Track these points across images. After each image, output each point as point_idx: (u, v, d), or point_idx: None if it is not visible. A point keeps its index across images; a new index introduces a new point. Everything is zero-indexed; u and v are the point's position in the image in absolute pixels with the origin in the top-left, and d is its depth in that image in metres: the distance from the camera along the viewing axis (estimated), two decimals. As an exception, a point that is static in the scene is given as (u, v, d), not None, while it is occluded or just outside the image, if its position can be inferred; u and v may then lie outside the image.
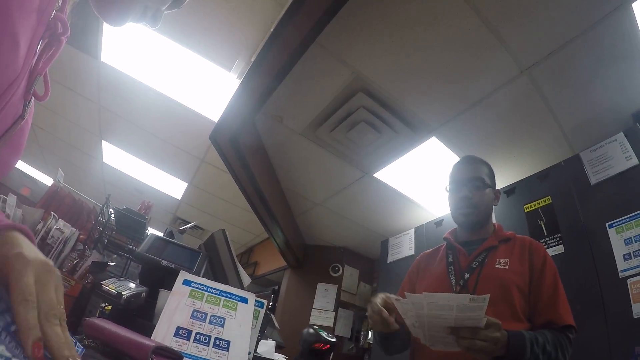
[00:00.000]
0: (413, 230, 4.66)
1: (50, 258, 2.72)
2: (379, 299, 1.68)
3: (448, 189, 2.09)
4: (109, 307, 1.62)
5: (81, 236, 3.19)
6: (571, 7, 2.50)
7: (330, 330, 5.34)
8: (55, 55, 0.75)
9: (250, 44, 3.27)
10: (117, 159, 5.86)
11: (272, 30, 2.74)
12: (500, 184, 2.09)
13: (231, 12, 3.03)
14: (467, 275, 1.83)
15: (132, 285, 1.52)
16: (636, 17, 2.52)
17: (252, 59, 3.15)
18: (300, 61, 2.79)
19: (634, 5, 2.46)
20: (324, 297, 5.73)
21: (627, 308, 2.42)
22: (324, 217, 5.27)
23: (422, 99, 3.26)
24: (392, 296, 1.59)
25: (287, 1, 2.68)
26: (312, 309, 5.66)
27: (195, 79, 3.78)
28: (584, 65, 2.84)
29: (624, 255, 2.57)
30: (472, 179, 1.96)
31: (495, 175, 2.08)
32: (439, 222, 4.31)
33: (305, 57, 2.77)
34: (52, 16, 0.70)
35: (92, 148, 5.70)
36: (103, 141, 5.43)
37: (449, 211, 2.11)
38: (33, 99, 0.78)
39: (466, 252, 1.93)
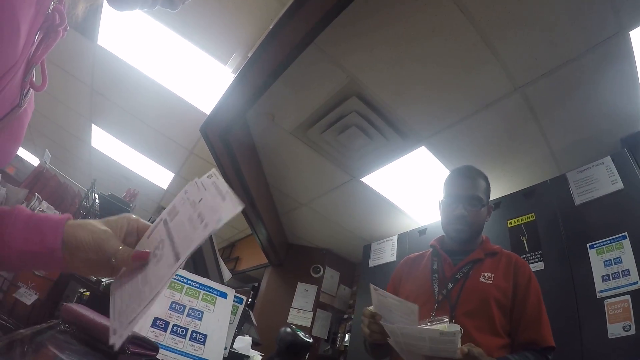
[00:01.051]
0: (396, 237, 4.67)
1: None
2: (369, 312, 1.66)
3: (442, 198, 2.09)
4: (88, 293, 1.61)
5: (64, 220, 3.16)
6: (570, 29, 2.52)
7: (308, 330, 5.34)
8: (52, 46, 0.77)
9: (248, 40, 3.27)
10: (106, 144, 5.81)
11: (271, 27, 2.73)
12: (486, 197, 2.12)
13: (232, 6, 3.03)
14: (450, 286, 1.84)
15: (112, 272, 1.51)
16: (632, 44, 2.55)
17: (249, 55, 3.14)
18: (297, 61, 2.78)
19: (631, 33, 2.49)
20: (303, 297, 5.73)
21: (602, 328, 2.45)
22: (309, 218, 5.27)
23: (415, 108, 3.27)
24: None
25: (289, 0, 2.68)
26: (291, 308, 5.66)
27: (190, 69, 3.77)
28: (577, 87, 2.87)
29: (602, 277, 2.61)
30: (470, 197, 1.96)
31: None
32: (422, 231, 4.33)
33: (301, 58, 2.76)
34: (51, 7, 0.72)
35: (82, 131, 5.65)
36: (93, 125, 5.39)
37: (437, 220, 2.12)
38: (32, 90, 0.81)
39: (452, 262, 1.94)
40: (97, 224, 0.76)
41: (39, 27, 0.71)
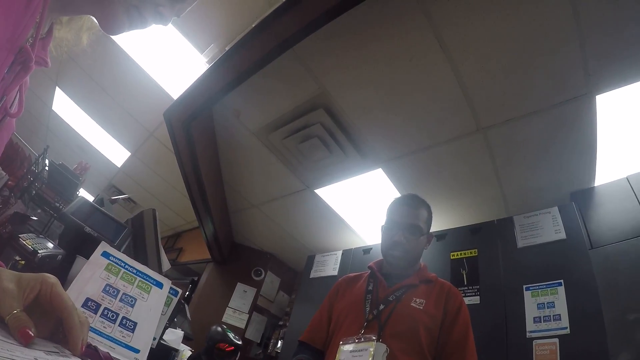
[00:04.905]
0: (341, 252, 4.74)
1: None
2: None
3: (384, 223, 2.13)
4: (23, 263, 1.57)
5: (9, 182, 3.06)
6: (540, 82, 2.63)
7: (241, 332, 5.32)
8: (23, 78, 0.80)
9: (229, 33, 3.26)
10: (67, 110, 5.61)
11: (253, 25, 2.74)
12: (433, 227, 2.15)
13: (221, -3, 3.02)
14: (382, 307, 1.88)
15: (50, 245, 1.49)
16: (597, 108, 2.67)
17: (226, 48, 3.14)
18: (272, 63, 2.79)
19: (598, 97, 2.61)
20: (241, 298, 5.70)
21: (528, 367, 2.56)
22: (258, 220, 5.25)
23: (379, 130, 3.33)
24: None
25: (277, 2, 2.69)
26: (227, 307, 5.61)
27: (166, 51, 3.72)
28: (538, 138, 2.99)
29: (534, 318, 2.73)
30: (410, 226, 1.99)
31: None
32: (367, 250, 4.39)
33: (277, 61, 2.77)
34: (22, 47, 0.75)
35: (44, 91, 5.44)
36: (57, 88, 5.22)
37: (380, 242, 2.15)
38: (8, 118, 0.84)
39: (386, 284, 1.98)
40: (6, 278, 0.68)
41: (9, 64, 0.74)
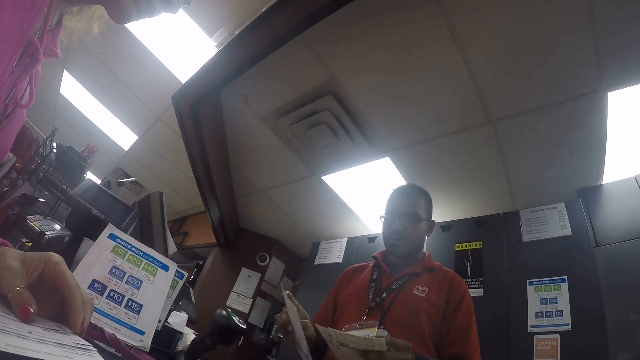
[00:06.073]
0: (346, 239, 4.74)
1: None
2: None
3: (383, 214, 2.13)
4: (30, 244, 1.58)
5: (17, 164, 3.07)
6: (552, 76, 2.60)
7: (245, 316, 5.37)
8: (32, 70, 0.82)
9: (239, 18, 3.24)
10: (74, 92, 5.61)
11: (263, 10, 2.72)
12: (439, 218, 2.15)
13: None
14: (384, 295, 1.88)
15: (57, 227, 1.49)
16: (608, 105, 2.64)
17: (236, 32, 3.12)
18: (282, 49, 2.78)
19: (610, 94, 2.58)
20: (246, 283, 5.72)
21: (529, 361, 2.56)
22: (264, 205, 5.26)
23: (388, 118, 3.31)
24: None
25: (287, -14, 2.67)
26: (232, 292, 5.64)
27: (174, 35, 3.70)
28: (547, 133, 2.97)
29: (536, 313, 2.73)
30: (407, 213, 2.00)
31: (433, 207, 2.14)
32: (372, 239, 4.38)
33: (287, 46, 2.76)
34: (29, 40, 0.76)
35: (52, 74, 5.44)
36: (65, 70, 5.22)
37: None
38: (18, 109, 0.86)
39: (390, 273, 1.99)
40: (10, 256, 0.69)
41: (18, 56, 0.75)
